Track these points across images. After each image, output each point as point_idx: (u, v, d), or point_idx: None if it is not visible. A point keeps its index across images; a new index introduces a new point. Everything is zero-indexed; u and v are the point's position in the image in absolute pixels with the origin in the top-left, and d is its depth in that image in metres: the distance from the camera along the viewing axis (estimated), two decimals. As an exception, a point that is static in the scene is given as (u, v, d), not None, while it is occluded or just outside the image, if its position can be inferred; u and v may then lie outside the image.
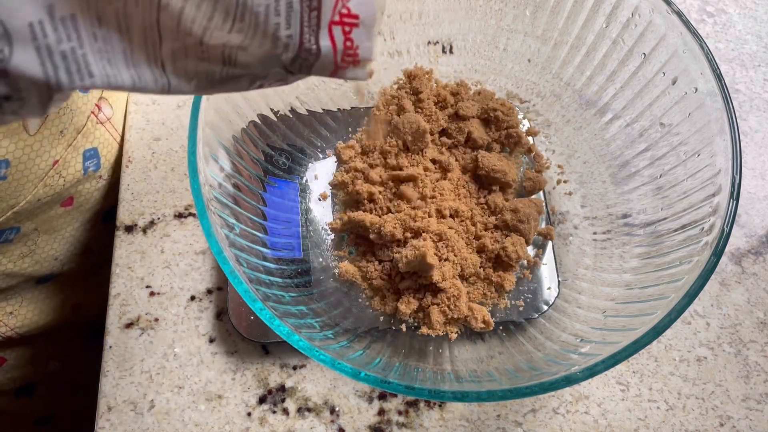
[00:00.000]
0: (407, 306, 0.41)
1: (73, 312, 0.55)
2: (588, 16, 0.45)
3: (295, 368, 0.44)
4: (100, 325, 0.62)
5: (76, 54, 0.20)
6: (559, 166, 0.49)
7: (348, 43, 0.24)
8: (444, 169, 0.46)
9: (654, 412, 0.43)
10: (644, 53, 0.43)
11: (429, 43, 0.51)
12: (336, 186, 0.47)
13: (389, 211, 0.44)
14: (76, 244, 0.51)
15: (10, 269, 0.47)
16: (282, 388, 0.43)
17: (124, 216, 0.49)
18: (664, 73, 0.42)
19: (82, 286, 0.56)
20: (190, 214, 0.49)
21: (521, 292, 0.44)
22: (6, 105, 0.20)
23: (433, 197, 0.44)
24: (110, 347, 0.44)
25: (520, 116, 0.50)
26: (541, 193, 0.48)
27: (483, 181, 0.47)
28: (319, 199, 0.47)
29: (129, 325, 0.45)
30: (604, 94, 0.47)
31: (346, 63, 0.24)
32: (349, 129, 0.49)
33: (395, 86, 0.49)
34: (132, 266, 0.47)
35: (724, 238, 0.34)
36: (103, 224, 0.53)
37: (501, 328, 0.43)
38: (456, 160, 0.47)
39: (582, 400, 0.44)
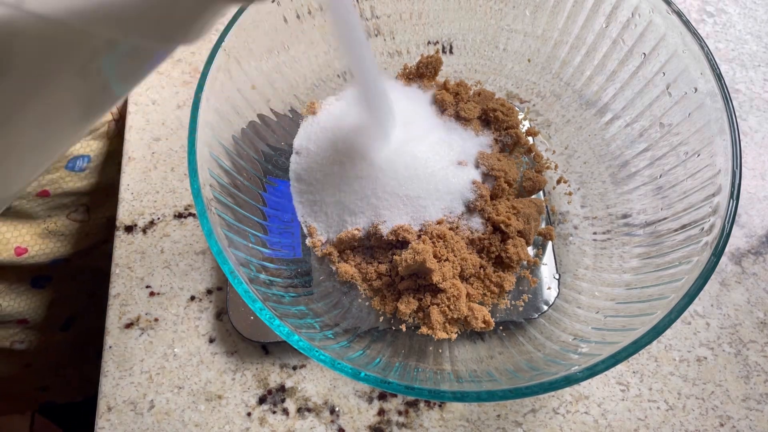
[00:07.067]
0: (407, 306, 0.41)
1: None
2: (588, 16, 0.45)
3: (295, 368, 0.44)
4: None
5: None
6: (558, 167, 0.49)
7: None
8: None
9: (654, 412, 0.43)
10: (644, 53, 0.43)
11: (429, 43, 0.51)
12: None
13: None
14: None
15: None
16: (282, 388, 0.43)
17: (123, 216, 0.49)
18: (664, 73, 0.42)
19: None
20: (190, 214, 0.49)
21: (521, 292, 0.44)
22: None
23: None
24: (110, 347, 0.44)
25: (520, 116, 0.50)
26: (541, 193, 0.48)
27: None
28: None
29: (129, 325, 0.45)
30: (604, 94, 0.47)
31: None
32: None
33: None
34: (132, 266, 0.47)
35: (724, 238, 0.34)
36: None
37: (501, 328, 0.43)
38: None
39: (582, 400, 0.44)
